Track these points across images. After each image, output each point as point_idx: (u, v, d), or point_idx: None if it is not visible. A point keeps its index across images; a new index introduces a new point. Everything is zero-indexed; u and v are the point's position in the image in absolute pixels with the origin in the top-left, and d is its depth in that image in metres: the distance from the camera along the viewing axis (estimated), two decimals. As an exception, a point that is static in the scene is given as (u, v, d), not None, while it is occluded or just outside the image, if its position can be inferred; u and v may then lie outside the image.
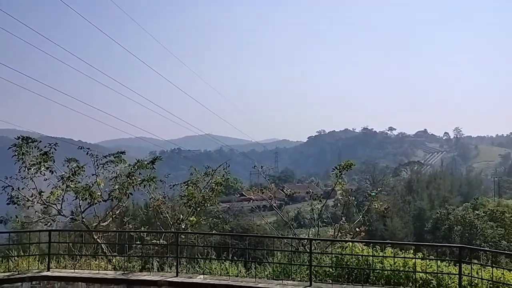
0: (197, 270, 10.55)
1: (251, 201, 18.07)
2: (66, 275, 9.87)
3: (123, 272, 10.17)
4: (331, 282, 9.63)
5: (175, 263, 10.50)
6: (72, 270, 10.20)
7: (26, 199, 12.30)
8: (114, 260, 11.69)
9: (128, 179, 12.45)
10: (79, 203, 12.91)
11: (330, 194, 14.55)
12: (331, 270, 10.03)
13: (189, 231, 12.40)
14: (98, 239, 12.27)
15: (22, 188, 12.43)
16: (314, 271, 9.70)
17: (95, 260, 11.17)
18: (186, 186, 13.49)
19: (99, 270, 10.35)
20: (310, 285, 9.29)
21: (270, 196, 13.95)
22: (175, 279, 9.61)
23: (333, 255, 10.30)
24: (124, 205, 13.64)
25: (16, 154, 11.75)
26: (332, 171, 12.90)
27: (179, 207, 14.06)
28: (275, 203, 13.74)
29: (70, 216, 12.78)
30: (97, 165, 12.95)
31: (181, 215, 12.67)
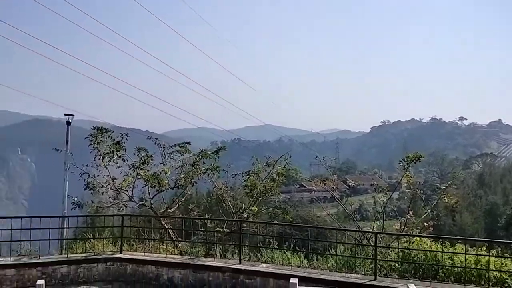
0: (259, 259, 10.73)
1: (313, 192, 17.92)
2: (137, 258, 10.43)
3: (189, 257, 10.55)
4: (397, 277, 9.36)
5: (237, 251, 10.76)
6: (142, 253, 10.75)
7: (101, 186, 13.10)
8: (179, 245, 12.17)
9: (193, 168, 12.85)
10: (148, 190, 13.54)
11: (396, 187, 14.03)
12: (396, 265, 9.76)
13: (251, 220, 12.58)
14: (165, 225, 12.82)
15: (97, 176, 13.26)
16: (378, 265, 9.48)
17: (162, 245, 11.69)
18: (248, 176, 13.68)
19: (166, 254, 10.81)
20: (375, 279, 9.09)
21: (333, 187, 13.75)
22: (238, 266, 9.81)
23: (399, 250, 10.00)
24: (188, 193, 14.12)
25: (92, 143, 12.53)
26: (399, 163, 12.43)
27: (240, 196, 14.31)
28: (338, 194, 13.52)
29: (140, 202, 13.45)
30: (164, 154, 13.49)
31: (243, 205, 12.88)
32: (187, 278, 9.93)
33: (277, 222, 12.89)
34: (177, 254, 10.94)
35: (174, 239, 12.08)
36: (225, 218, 12.78)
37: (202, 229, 12.35)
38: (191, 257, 10.60)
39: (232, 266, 9.81)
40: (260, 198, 13.17)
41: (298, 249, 10.96)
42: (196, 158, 13.05)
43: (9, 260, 9.91)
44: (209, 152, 13.25)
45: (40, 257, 10.20)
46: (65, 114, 12.89)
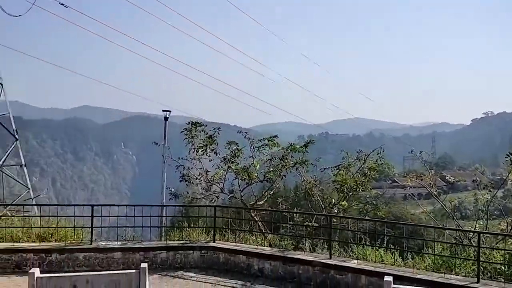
0: (349, 255, 10.53)
1: (407, 188, 17.01)
2: (229, 247, 10.80)
3: (279, 249, 10.68)
4: (503, 280, 8.57)
5: (326, 246, 10.67)
6: (234, 243, 11.10)
7: (195, 178, 13.81)
8: (268, 237, 12.38)
9: (282, 161, 12.97)
10: (238, 183, 13.97)
11: (501, 184, 12.85)
12: (503, 267, 8.94)
13: (341, 215, 12.36)
14: (254, 217, 13.12)
15: (191, 168, 14.01)
16: (481, 267, 8.76)
17: (252, 236, 11.98)
18: (338, 170, 13.46)
19: (257, 245, 11.05)
20: (478, 281, 8.42)
21: (429, 183, 12.96)
22: (329, 261, 9.70)
23: (505, 251, 9.15)
24: (277, 186, 14.28)
25: (187, 137, 13.24)
26: (505, 157, 11.34)
27: (330, 191, 14.12)
28: (435, 191, 12.72)
29: (230, 194, 13.91)
30: (253, 148, 13.80)
31: (332, 199, 12.71)
32: (277, 270, 10.06)
33: (369, 218, 12.49)
34: (267, 246, 11.11)
35: (263, 231, 12.29)
36: (315, 212, 12.70)
37: (291, 223, 12.43)
38: (281, 249, 10.71)
39: (323, 261, 9.73)
40: (350, 193, 12.90)
41: (392, 247, 10.52)
42: (284, 152, 13.15)
43: (116, 244, 10.85)
44: (298, 146, 13.25)
45: (143, 243, 11.02)
46: (163, 111, 13.80)
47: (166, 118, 13.69)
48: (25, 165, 28.13)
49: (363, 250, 10.40)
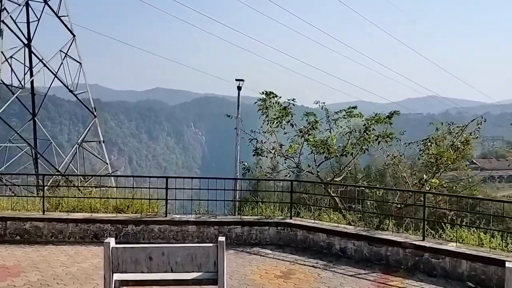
0: (443, 237, 9.35)
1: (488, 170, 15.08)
2: (307, 225, 10.05)
3: (363, 228, 9.73)
4: None
5: (410, 226, 9.60)
6: (313, 220, 10.33)
7: (268, 151, 13.15)
8: (348, 216, 11.46)
9: (365, 133, 11.85)
10: (314, 158, 13.11)
11: None
12: None
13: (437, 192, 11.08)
14: (332, 193, 12.24)
15: (264, 142, 13.35)
16: None
17: (330, 213, 11.14)
18: (430, 144, 12.10)
19: (338, 223, 10.20)
20: None
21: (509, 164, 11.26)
22: (422, 243, 8.60)
23: None
24: (357, 161, 13.24)
25: (261, 108, 12.53)
26: None
27: (417, 168, 12.81)
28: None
29: (306, 170, 13.10)
30: (329, 120, 12.81)
31: (423, 175, 11.41)
32: (362, 251, 9.15)
33: (472, 196, 11.08)
34: (349, 225, 10.21)
35: (345, 208, 11.39)
36: (408, 189, 11.51)
37: (373, 200, 11.36)
38: (366, 228, 9.75)
39: (415, 242, 8.65)
40: (441, 170, 11.52)
41: (494, 229, 9.17)
42: (367, 123, 12.00)
43: (191, 217, 10.53)
44: (382, 117, 12.01)
45: (217, 217, 10.60)
46: (236, 80, 13.16)
47: (239, 88, 13.10)
48: (103, 142, 29.38)
49: (459, 232, 9.16)
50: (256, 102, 12.49)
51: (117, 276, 6.31)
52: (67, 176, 19.94)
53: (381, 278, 8.17)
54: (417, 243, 8.63)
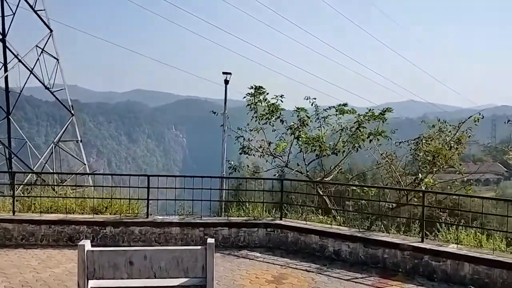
0: (440, 238, 8.92)
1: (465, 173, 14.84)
2: (298, 226, 9.50)
3: (358, 229, 9.22)
4: None
5: (403, 228, 9.17)
6: (304, 222, 9.77)
7: (256, 150, 12.56)
8: (338, 217, 10.95)
9: (358, 130, 11.36)
10: (303, 156, 12.59)
11: None
12: None
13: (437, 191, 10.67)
14: (322, 193, 11.73)
15: (251, 140, 12.76)
16: None
17: (320, 214, 10.63)
18: (420, 141, 11.74)
19: (331, 224, 9.68)
20: None
21: (490, 169, 10.99)
22: (422, 245, 8.14)
23: None
24: (347, 161, 12.77)
25: (250, 103, 11.92)
26: None
27: (410, 167, 12.41)
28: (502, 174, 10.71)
29: (296, 169, 12.55)
30: (318, 117, 12.30)
31: (419, 175, 10.99)
32: (357, 253, 8.64)
33: (471, 195, 10.72)
34: (343, 226, 9.68)
35: (337, 209, 10.89)
36: (404, 188, 11.06)
37: (367, 199, 10.88)
38: (361, 230, 9.24)
39: (414, 244, 8.18)
40: (435, 170, 11.13)
41: (495, 230, 8.79)
42: (361, 119, 11.52)
43: (174, 218, 9.86)
44: (376, 113, 11.50)
45: (202, 218, 9.95)
46: (223, 73, 12.50)
47: (226, 82, 12.47)
48: (80, 141, 28.27)
49: (458, 233, 8.75)
50: (245, 97, 11.89)
51: (93, 283, 5.61)
52: (40, 175, 18.91)
53: (379, 283, 7.66)
54: (416, 244, 8.17)
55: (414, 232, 9.62)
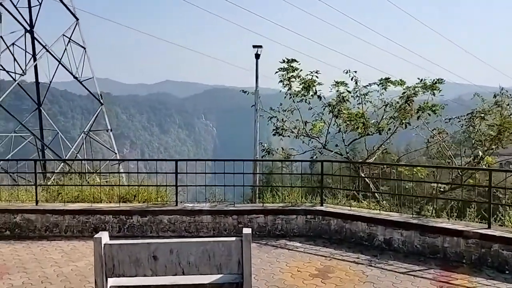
0: (507, 224, 7.75)
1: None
2: (342, 212, 8.51)
3: (411, 215, 8.15)
4: None
5: (455, 212, 8.05)
6: (348, 208, 8.78)
7: (290, 131, 11.61)
8: (383, 202, 9.89)
9: (407, 104, 10.16)
10: (342, 137, 11.54)
11: None
12: None
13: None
14: (365, 176, 10.67)
15: (285, 121, 11.79)
16: None
17: (362, 200, 9.62)
18: (472, 118, 10.47)
19: (380, 210, 8.66)
20: None
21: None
22: (489, 232, 7.02)
23: None
24: (391, 141, 11.60)
25: (282, 79, 10.91)
26: None
27: (463, 145, 11.16)
28: None
29: (335, 151, 11.52)
30: (359, 93, 11.15)
31: (479, 153, 9.72)
32: (412, 242, 7.59)
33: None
34: (394, 212, 8.63)
35: (381, 192, 9.82)
36: (467, 167, 9.84)
37: (417, 181, 9.75)
38: (414, 215, 8.17)
39: (480, 231, 7.06)
40: (494, 146, 9.85)
41: None
42: (410, 91, 10.31)
43: (205, 206, 9.08)
44: (428, 83, 10.23)
45: (235, 205, 9.13)
46: (253, 46, 11.50)
47: (257, 56, 11.49)
48: (111, 130, 28.05)
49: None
50: (276, 72, 10.86)
51: (112, 281, 4.85)
52: (67, 162, 18.61)
53: (441, 276, 6.61)
54: (482, 231, 7.04)
55: (470, 217, 8.50)
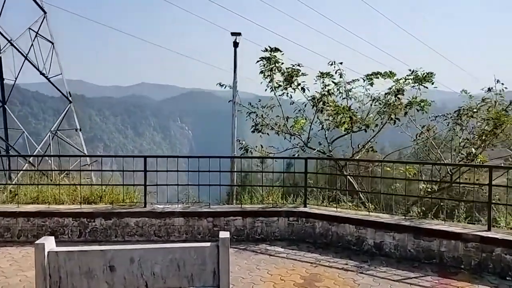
0: (501, 226, 7.20)
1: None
2: (328, 214, 7.79)
3: (404, 217, 7.50)
4: None
5: (445, 213, 7.49)
6: (334, 209, 8.07)
7: (270, 127, 10.86)
8: (368, 203, 9.23)
9: (396, 98, 9.55)
10: (325, 134, 10.86)
11: None
12: None
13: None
14: (348, 175, 10.00)
15: (264, 117, 11.03)
16: None
17: (347, 202, 8.94)
18: (461, 115, 9.98)
19: (369, 211, 7.97)
20: None
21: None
22: (490, 235, 6.41)
23: None
24: (377, 139, 10.99)
25: (264, 70, 10.12)
26: None
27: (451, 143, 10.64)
28: None
29: (317, 149, 10.83)
30: (344, 87, 10.50)
31: (472, 149, 9.17)
32: (405, 246, 6.93)
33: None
34: (377, 212, 7.97)
35: (371, 192, 9.16)
36: (462, 163, 9.26)
37: (410, 179, 9.11)
38: (407, 217, 7.53)
39: (480, 234, 6.44)
40: (488, 143, 9.33)
41: None
42: (399, 84, 9.70)
43: (177, 207, 8.21)
44: (420, 74, 9.60)
45: (211, 206, 8.29)
46: (232, 34, 10.67)
47: (235, 44, 10.67)
48: (80, 130, 26.68)
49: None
50: (258, 61, 10.08)
51: (57, 298, 3.98)
52: (30, 162, 17.34)
53: (440, 284, 5.96)
54: (483, 234, 6.43)
55: (459, 219, 7.94)
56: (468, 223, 7.43)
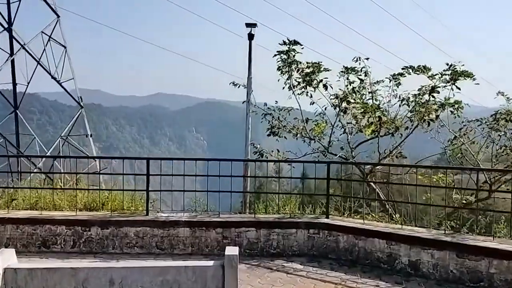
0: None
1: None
2: (354, 226, 6.82)
3: (444, 232, 6.47)
4: None
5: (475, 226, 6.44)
6: (361, 221, 7.08)
7: (287, 130, 9.94)
8: (395, 215, 8.20)
9: (431, 97, 8.53)
10: (347, 139, 9.90)
11: None
12: None
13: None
14: (375, 182, 8.99)
15: (281, 120, 10.12)
16: None
17: (372, 213, 7.94)
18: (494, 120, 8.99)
19: (401, 224, 6.95)
20: None
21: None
22: (553, 255, 5.34)
23: None
24: (403, 143, 9.96)
25: (281, 66, 9.21)
26: None
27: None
28: None
29: (339, 154, 9.85)
30: (370, 83, 9.50)
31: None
32: (446, 266, 5.90)
33: None
34: (418, 227, 6.92)
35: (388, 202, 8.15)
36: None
37: (446, 187, 8.09)
38: (447, 232, 6.50)
39: (540, 253, 5.39)
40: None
41: None
42: (434, 80, 8.68)
43: (183, 216, 7.32)
44: (458, 69, 8.55)
45: (220, 215, 7.39)
46: (246, 25, 9.82)
47: (251, 36, 9.80)
48: (91, 135, 26.16)
49: None
50: (275, 55, 9.19)
51: (15, 329, 3.10)
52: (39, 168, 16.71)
53: (494, 314, 4.92)
54: (543, 254, 5.37)
55: (499, 234, 6.91)
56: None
